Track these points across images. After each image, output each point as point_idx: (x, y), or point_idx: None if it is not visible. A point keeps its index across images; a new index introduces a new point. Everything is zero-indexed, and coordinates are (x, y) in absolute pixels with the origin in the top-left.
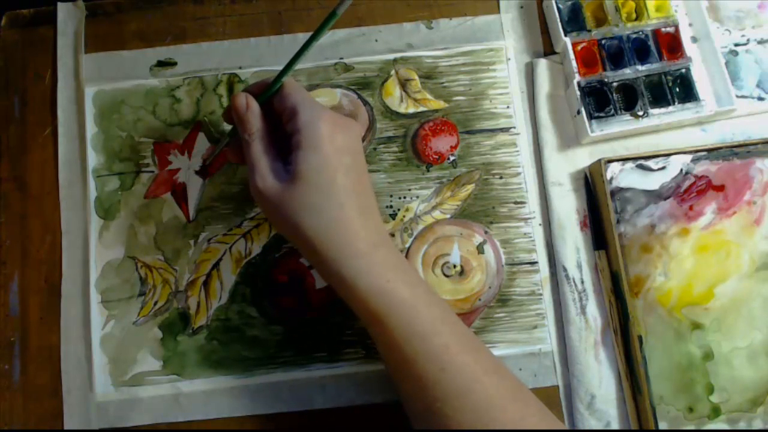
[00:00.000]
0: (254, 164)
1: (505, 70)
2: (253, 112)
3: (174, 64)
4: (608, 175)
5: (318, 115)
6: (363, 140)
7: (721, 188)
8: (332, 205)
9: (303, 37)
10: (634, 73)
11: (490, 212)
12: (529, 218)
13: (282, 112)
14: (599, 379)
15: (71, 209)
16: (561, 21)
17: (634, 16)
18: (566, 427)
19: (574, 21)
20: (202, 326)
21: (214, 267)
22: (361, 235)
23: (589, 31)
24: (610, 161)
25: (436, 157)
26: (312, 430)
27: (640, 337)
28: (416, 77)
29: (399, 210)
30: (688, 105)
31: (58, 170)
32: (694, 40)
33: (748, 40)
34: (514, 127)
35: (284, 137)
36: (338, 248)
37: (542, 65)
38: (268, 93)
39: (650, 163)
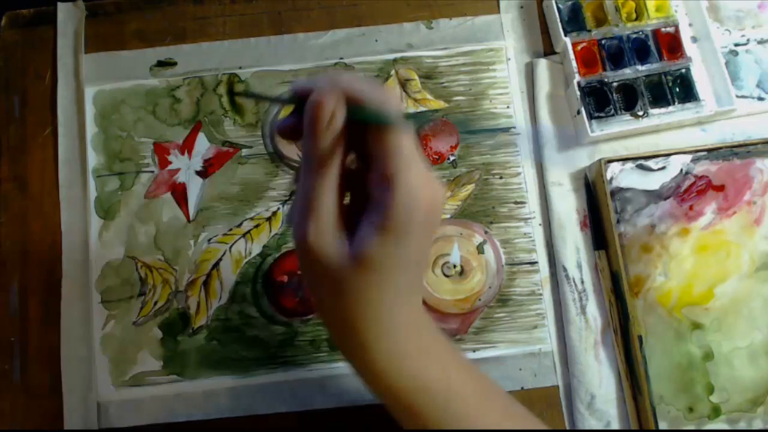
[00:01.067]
0: (314, 207)
1: (505, 70)
2: (334, 131)
3: (174, 64)
4: (608, 175)
5: (419, 195)
6: None
7: (721, 188)
8: (397, 302)
9: (303, 37)
10: (634, 73)
11: (490, 212)
12: (529, 218)
13: (374, 157)
14: (599, 379)
15: (71, 209)
16: (561, 21)
17: (634, 16)
18: None
19: (574, 21)
20: (202, 326)
21: (214, 267)
22: (412, 336)
23: (589, 31)
24: (610, 161)
25: (436, 157)
26: (312, 430)
27: (640, 337)
28: (416, 77)
29: None
30: (688, 105)
31: (58, 170)
32: (694, 40)
33: (748, 40)
34: (514, 127)
35: (355, 181)
36: (387, 348)
37: (542, 65)
38: (368, 117)
39: (650, 163)
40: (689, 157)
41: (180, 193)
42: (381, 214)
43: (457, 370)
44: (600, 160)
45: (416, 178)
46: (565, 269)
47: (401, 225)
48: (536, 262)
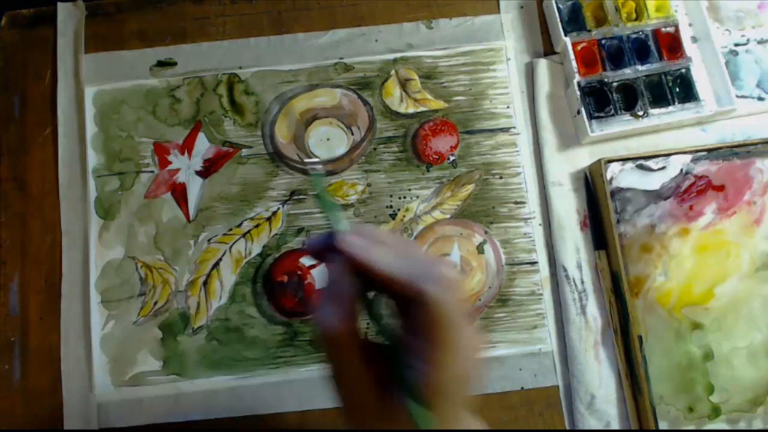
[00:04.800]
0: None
1: (505, 70)
2: (348, 345)
3: (174, 64)
4: (608, 175)
5: (468, 364)
6: (363, 141)
7: (721, 188)
8: None
9: (303, 37)
10: (634, 73)
11: (490, 212)
12: (529, 218)
13: (414, 317)
14: (599, 379)
15: (71, 209)
16: (561, 21)
17: (634, 16)
18: None
19: (574, 21)
20: (202, 326)
21: (214, 267)
22: None
23: (589, 31)
24: (610, 161)
25: (436, 157)
26: (312, 430)
27: (640, 337)
28: (416, 77)
29: (399, 210)
30: (688, 105)
31: (58, 170)
32: (694, 40)
33: (748, 40)
34: (514, 127)
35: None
36: None
37: (542, 65)
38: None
39: (650, 163)
40: (689, 157)
41: (180, 193)
42: (426, 378)
43: None
44: (600, 160)
45: (465, 349)
46: (565, 269)
47: (449, 393)
48: (536, 262)
